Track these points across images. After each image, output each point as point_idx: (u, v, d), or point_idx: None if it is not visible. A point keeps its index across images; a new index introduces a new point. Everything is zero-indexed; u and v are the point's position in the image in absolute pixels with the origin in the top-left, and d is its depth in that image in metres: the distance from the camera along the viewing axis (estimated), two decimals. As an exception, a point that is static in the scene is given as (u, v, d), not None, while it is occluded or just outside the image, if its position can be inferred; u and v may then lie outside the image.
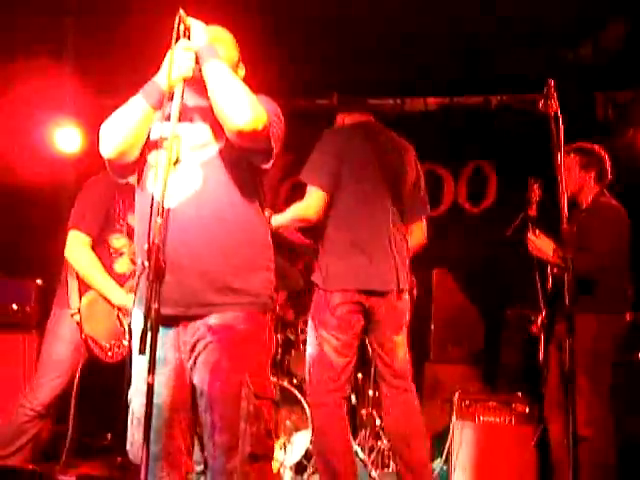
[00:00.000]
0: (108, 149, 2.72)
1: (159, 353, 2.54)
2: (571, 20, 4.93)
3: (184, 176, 2.67)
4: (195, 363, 2.70)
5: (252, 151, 2.70)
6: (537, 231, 4.42)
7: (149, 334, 2.33)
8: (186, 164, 2.69)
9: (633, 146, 5.80)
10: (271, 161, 2.75)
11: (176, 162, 2.62)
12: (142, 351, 2.36)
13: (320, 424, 3.95)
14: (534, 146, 4.36)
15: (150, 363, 2.33)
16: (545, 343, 4.47)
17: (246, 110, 2.56)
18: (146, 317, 2.34)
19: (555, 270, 4.41)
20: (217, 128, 2.69)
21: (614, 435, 4.19)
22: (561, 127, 2.89)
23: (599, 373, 4.15)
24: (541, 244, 4.39)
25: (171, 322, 2.67)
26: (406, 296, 4.04)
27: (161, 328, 2.57)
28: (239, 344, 2.69)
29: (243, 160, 2.73)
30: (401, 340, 4.02)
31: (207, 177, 2.69)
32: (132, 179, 2.85)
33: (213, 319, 2.68)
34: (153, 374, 2.35)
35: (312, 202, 3.81)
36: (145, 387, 2.37)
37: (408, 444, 3.95)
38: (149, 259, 2.38)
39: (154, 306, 2.33)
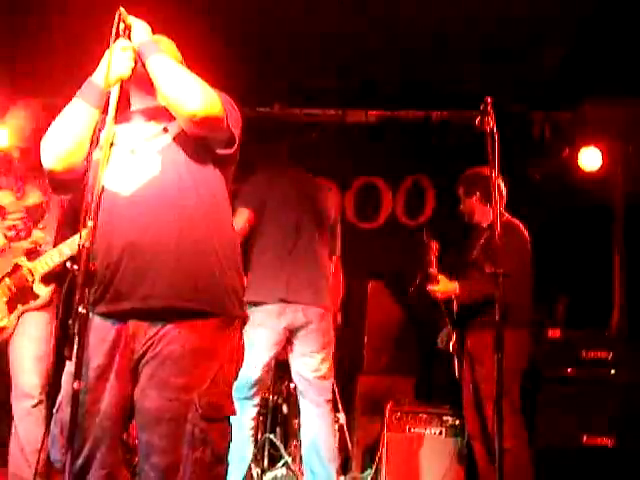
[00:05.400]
0: (52, 160, 2.53)
1: (104, 357, 2.44)
2: (511, 38, 5.02)
3: (142, 163, 2.53)
4: (140, 374, 2.46)
5: (210, 139, 2.56)
6: (437, 278, 4.57)
7: (76, 340, 2.21)
8: (143, 153, 2.55)
9: (568, 166, 5.93)
10: (235, 146, 2.60)
11: (132, 152, 2.53)
12: (69, 357, 2.23)
13: None
14: (472, 162, 4.43)
15: (76, 369, 2.22)
16: (459, 360, 4.61)
17: (198, 94, 2.44)
18: (73, 321, 2.21)
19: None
20: (169, 123, 2.58)
21: (527, 441, 4.30)
22: (497, 144, 2.93)
23: (512, 387, 4.21)
24: (445, 287, 4.55)
25: (123, 320, 2.46)
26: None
27: (111, 331, 2.46)
28: (191, 359, 2.44)
29: (200, 145, 2.57)
30: None
31: (166, 162, 2.54)
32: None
33: (168, 327, 2.44)
34: (79, 380, 2.22)
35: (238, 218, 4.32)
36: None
37: None
38: (78, 262, 2.22)
39: (82, 311, 2.20)
